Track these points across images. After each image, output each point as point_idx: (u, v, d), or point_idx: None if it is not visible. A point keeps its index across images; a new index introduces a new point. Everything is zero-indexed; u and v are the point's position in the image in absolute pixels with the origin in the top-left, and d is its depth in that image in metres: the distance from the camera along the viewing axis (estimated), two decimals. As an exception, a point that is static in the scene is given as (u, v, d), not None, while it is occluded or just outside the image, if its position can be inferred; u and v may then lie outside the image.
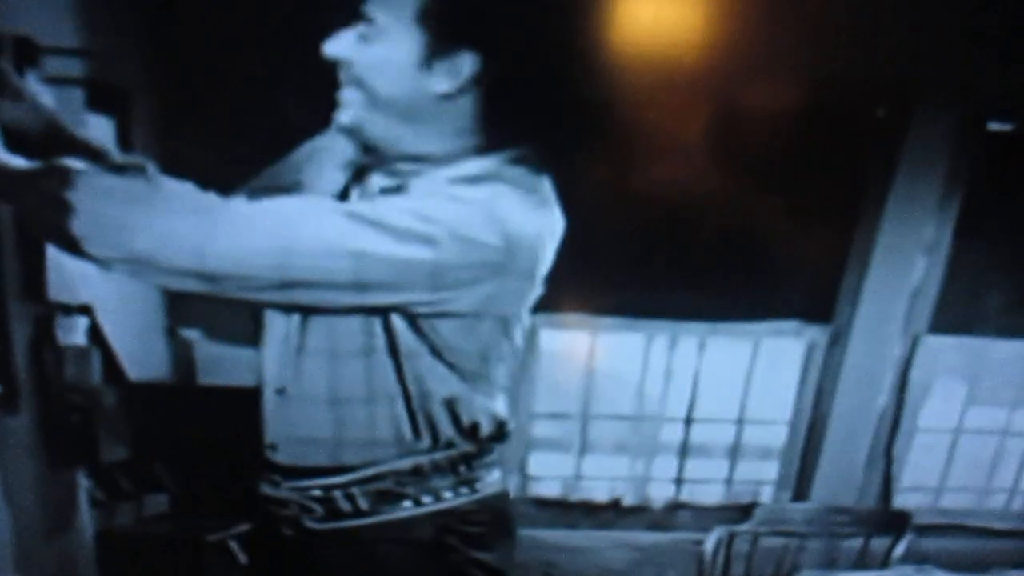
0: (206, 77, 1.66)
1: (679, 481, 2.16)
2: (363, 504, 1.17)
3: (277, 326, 1.10)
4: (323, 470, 1.15)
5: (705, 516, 2.16)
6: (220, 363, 1.85)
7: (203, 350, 1.85)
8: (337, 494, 1.16)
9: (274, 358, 1.10)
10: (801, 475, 2.11)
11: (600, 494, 2.15)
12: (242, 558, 1.79)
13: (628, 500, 2.17)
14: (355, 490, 1.18)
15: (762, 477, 2.15)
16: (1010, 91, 1.76)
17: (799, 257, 1.91)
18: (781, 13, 1.70)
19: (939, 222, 1.86)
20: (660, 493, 2.17)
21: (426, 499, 1.18)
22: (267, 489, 1.14)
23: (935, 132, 1.78)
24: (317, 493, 1.14)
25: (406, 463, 1.15)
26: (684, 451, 2.12)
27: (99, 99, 1.52)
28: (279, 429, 1.13)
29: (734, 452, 2.13)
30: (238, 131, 1.65)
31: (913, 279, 1.92)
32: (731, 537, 2.07)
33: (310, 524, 1.15)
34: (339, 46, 0.96)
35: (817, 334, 1.99)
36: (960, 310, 1.98)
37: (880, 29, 1.69)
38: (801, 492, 2.13)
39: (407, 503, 1.16)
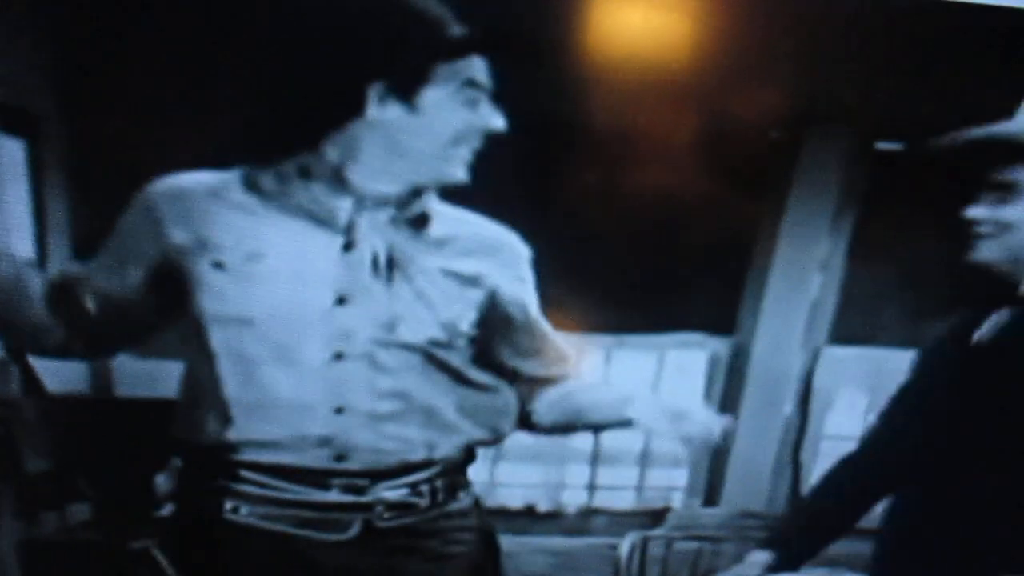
0: (117, 101, 1.72)
1: (592, 487, 2.22)
2: (440, 496, 1.25)
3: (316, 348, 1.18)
4: (409, 467, 1.22)
5: (619, 521, 2.22)
6: (137, 375, 1.90)
7: (120, 363, 1.90)
8: (424, 488, 1.23)
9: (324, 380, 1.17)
10: (710, 482, 2.18)
11: (515, 500, 2.21)
12: (166, 565, 1.84)
13: (542, 506, 2.24)
14: (438, 483, 1.26)
15: (673, 484, 2.22)
16: (898, 112, 1.83)
17: (701, 271, 1.98)
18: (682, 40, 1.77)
19: (833, 239, 1.94)
20: (573, 499, 2.24)
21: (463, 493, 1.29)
22: (340, 497, 1.18)
23: (827, 153, 1.86)
24: (404, 491, 1.21)
25: (461, 453, 1.26)
26: (595, 458, 2.19)
27: (9, 122, 1.57)
28: (347, 440, 1.18)
29: (644, 459, 2.19)
30: (152, 151, 1.70)
31: (811, 294, 1.99)
32: (645, 542, 2.14)
33: (380, 524, 1.21)
34: None
35: (720, 346, 2.06)
36: (859, 323, 2.05)
37: (772, 53, 1.77)
38: (712, 498, 2.20)
39: (462, 494, 1.25)
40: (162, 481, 1.34)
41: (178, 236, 1.24)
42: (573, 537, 2.37)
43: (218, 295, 1.21)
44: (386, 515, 1.26)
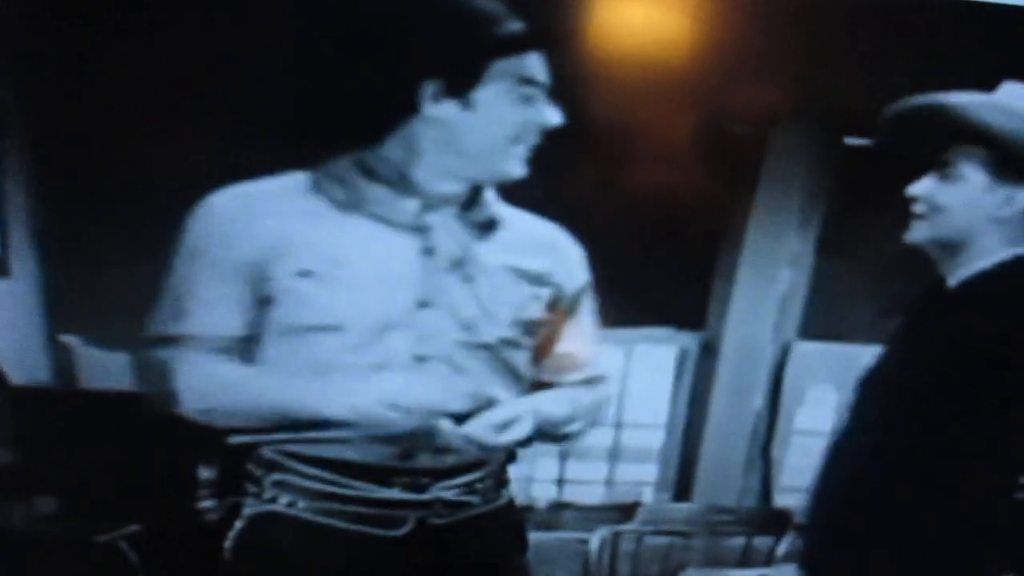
0: (80, 92, 1.71)
1: (561, 482, 2.22)
2: (489, 494, 1.27)
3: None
4: (467, 466, 1.24)
5: (589, 516, 2.22)
6: (102, 368, 1.90)
7: (84, 355, 1.89)
8: (478, 486, 1.23)
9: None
10: (681, 476, 2.18)
11: (485, 495, 2.21)
12: (133, 558, 1.83)
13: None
14: (488, 481, 1.27)
15: (643, 478, 2.22)
16: (865, 108, 1.83)
17: (670, 266, 1.97)
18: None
19: (802, 235, 1.93)
20: (543, 493, 2.23)
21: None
22: (401, 494, 1.21)
23: (795, 147, 1.85)
24: (459, 489, 1.23)
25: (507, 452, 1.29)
26: (564, 453, 2.19)
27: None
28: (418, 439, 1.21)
29: (613, 454, 2.19)
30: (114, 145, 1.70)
31: (780, 289, 1.99)
32: (616, 537, 2.14)
33: (436, 521, 1.21)
34: None
35: (689, 341, 2.06)
36: (829, 318, 2.05)
37: (740, 50, 1.76)
38: (682, 493, 2.20)
39: (504, 491, 1.27)
40: (206, 473, 1.35)
41: (253, 249, 1.23)
42: (543, 531, 2.37)
43: (306, 303, 1.21)
44: (442, 513, 1.28)
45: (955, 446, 1.30)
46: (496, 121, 1.19)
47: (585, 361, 1.40)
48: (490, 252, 1.28)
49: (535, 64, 1.22)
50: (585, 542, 2.10)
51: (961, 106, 1.28)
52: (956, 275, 1.35)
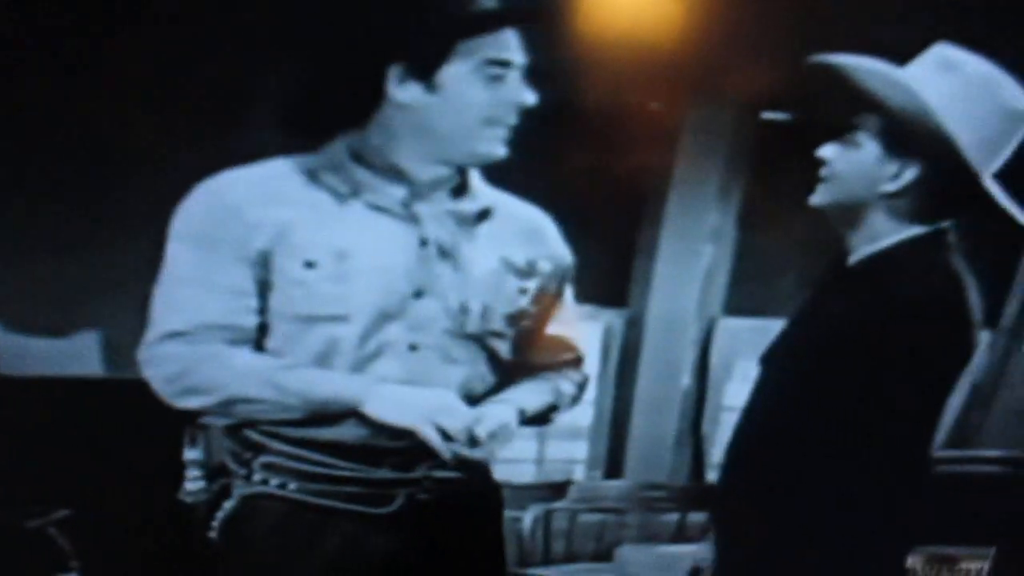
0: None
1: (491, 461, 2.23)
2: (476, 471, 1.26)
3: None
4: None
5: (520, 495, 2.23)
6: (23, 354, 1.89)
7: (2, 341, 1.88)
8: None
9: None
10: (611, 454, 2.19)
11: (414, 474, 2.21)
12: (65, 545, 1.82)
13: (443, 480, 2.24)
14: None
15: (573, 456, 2.23)
16: (781, 82, 1.84)
17: (592, 244, 1.97)
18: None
19: (722, 209, 1.94)
20: (473, 473, 2.24)
21: None
22: (390, 473, 1.20)
23: (711, 123, 1.86)
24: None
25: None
26: (493, 432, 2.19)
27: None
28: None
29: (542, 433, 2.20)
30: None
31: (703, 264, 2.00)
32: (548, 515, 2.14)
33: (424, 497, 1.21)
34: None
35: (613, 318, 2.06)
36: (753, 293, 2.06)
37: (655, 26, 1.76)
38: (614, 470, 2.21)
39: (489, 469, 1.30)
40: (193, 454, 1.33)
41: (261, 236, 1.20)
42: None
43: (312, 293, 1.20)
44: (431, 489, 1.30)
45: (851, 422, 1.29)
46: (464, 102, 1.15)
47: (570, 343, 1.40)
48: (479, 243, 1.27)
49: (507, 43, 1.20)
50: (518, 520, 2.10)
51: (858, 71, 1.25)
52: (857, 252, 1.34)
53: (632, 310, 2.04)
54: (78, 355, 1.83)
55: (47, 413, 1.78)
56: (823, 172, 1.29)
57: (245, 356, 1.21)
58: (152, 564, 1.73)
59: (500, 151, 1.21)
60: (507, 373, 1.29)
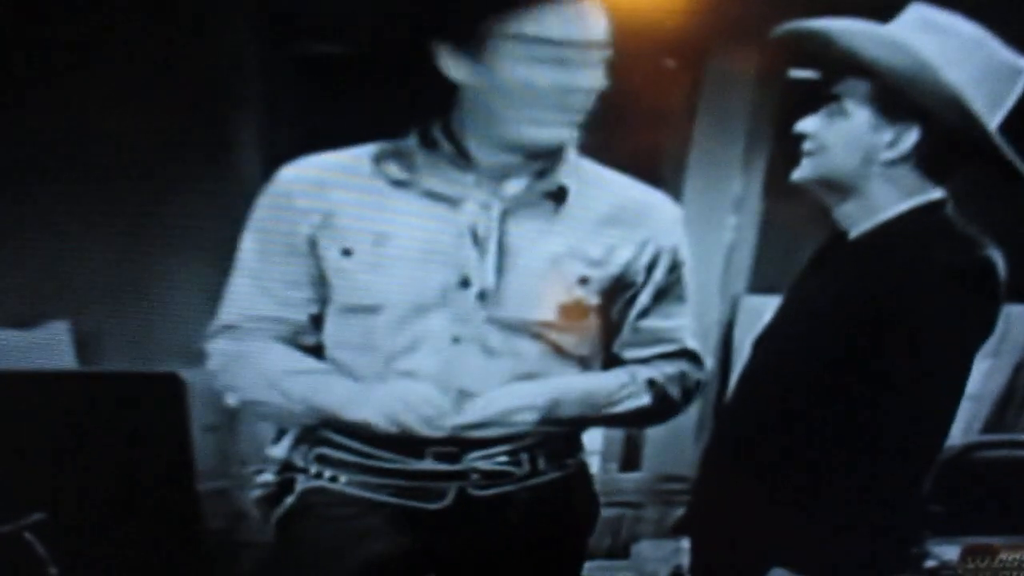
0: None
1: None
2: (541, 464, 1.19)
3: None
4: (508, 436, 1.21)
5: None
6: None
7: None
8: (523, 456, 1.20)
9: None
10: (628, 444, 2.07)
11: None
12: (41, 551, 1.75)
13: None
14: (539, 451, 1.19)
15: (588, 448, 2.11)
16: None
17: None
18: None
19: (746, 178, 1.81)
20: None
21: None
22: (433, 465, 1.19)
23: (733, 81, 1.72)
24: (503, 459, 1.20)
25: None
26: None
27: None
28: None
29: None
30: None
31: (725, 238, 1.86)
32: (561, 509, 2.02)
33: (475, 493, 1.20)
34: None
35: (630, 298, 1.94)
36: (778, 269, 1.93)
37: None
38: (631, 461, 2.08)
39: (570, 461, 1.19)
40: (277, 451, 1.29)
41: (311, 225, 1.19)
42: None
43: (349, 283, 1.19)
44: (481, 483, 1.23)
45: (860, 403, 1.19)
46: (517, 83, 1.11)
47: (670, 334, 1.29)
48: (544, 229, 1.20)
49: (546, 20, 1.09)
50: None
51: (844, 34, 1.14)
52: (859, 227, 1.24)
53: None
54: (47, 346, 1.72)
55: (16, 409, 1.70)
56: (807, 146, 1.21)
57: (273, 356, 1.19)
58: (134, 569, 1.67)
59: (564, 136, 1.15)
60: (582, 364, 1.24)
